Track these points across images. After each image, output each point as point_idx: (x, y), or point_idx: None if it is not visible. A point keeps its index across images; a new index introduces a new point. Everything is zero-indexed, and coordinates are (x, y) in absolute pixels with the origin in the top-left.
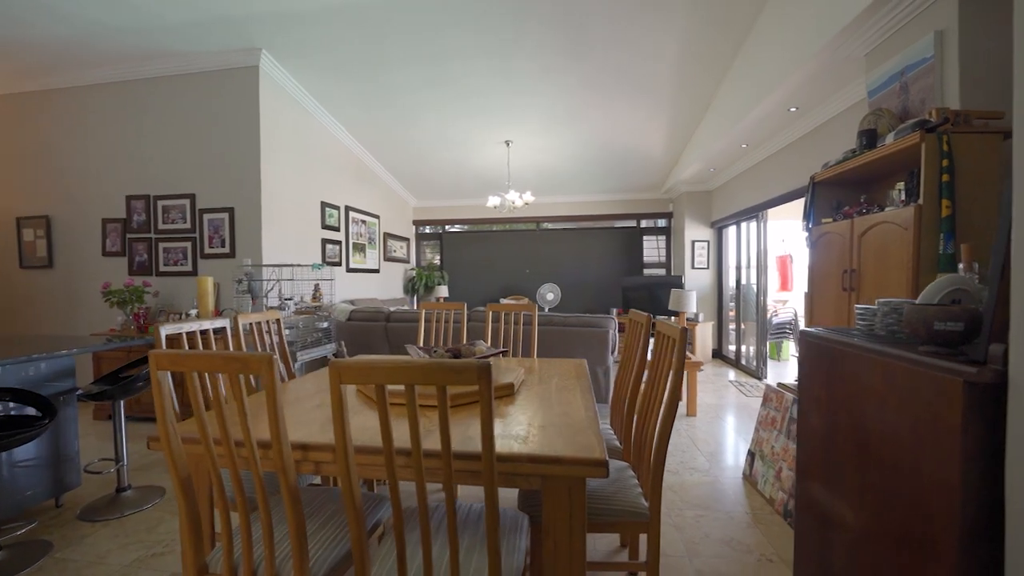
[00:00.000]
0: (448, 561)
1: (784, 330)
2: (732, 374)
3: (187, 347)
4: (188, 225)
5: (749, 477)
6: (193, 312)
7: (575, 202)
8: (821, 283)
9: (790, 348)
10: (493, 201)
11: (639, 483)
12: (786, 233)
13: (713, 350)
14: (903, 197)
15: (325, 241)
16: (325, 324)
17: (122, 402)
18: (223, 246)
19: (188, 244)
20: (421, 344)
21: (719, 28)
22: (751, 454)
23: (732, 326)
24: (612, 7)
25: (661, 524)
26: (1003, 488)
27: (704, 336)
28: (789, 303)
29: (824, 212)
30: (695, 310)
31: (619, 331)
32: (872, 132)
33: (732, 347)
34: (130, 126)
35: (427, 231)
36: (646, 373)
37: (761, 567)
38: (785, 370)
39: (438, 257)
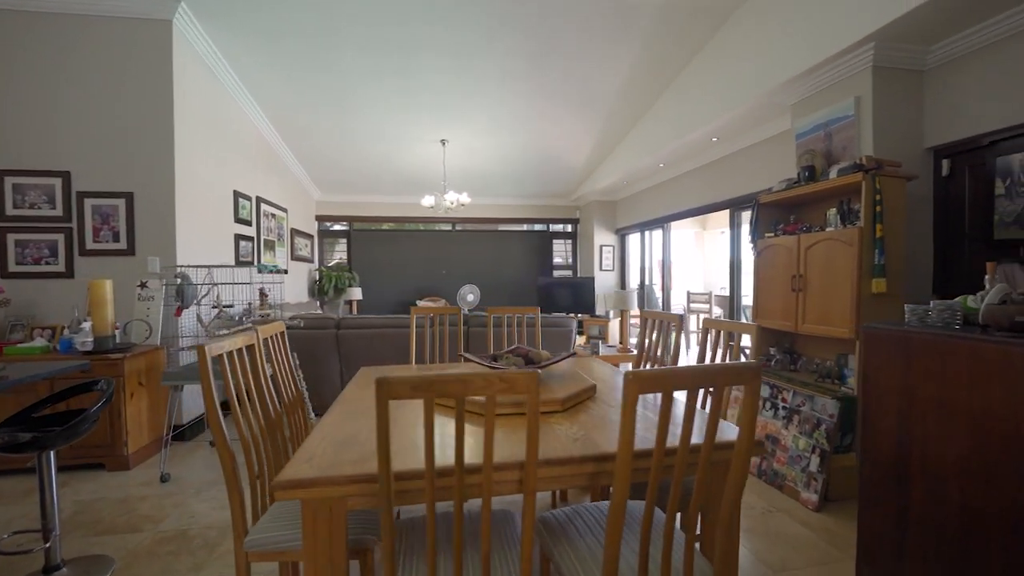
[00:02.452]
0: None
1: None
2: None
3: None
4: (59, 212)
5: None
6: (86, 325)
7: (491, 204)
8: (767, 285)
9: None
10: (428, 200)
11: None
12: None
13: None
14: (839, 220)
15: (238, 237)
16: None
17: (52, 453)
18: (116, 240)
19: (59, 236)
20: (414, 351)
21: (664, 58)
22: None
23: (633, 321)
24: (585, 19)
25: None
26: None
27: (613, 331)
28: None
29: (764, 228)
30: (636, 309)
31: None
32: (812, 168)
33: (633, 340)
34: None
35: (331, 228)
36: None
37: (769, 518)
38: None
39: (344, 256)
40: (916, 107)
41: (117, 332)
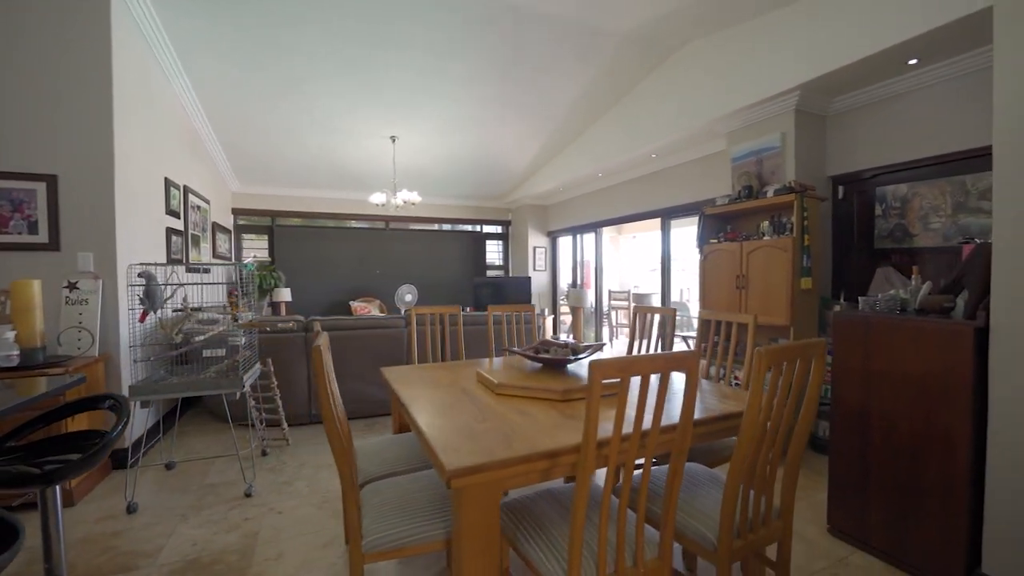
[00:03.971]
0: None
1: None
2: None
3: None
4: None
5: None
6: (9, 335)
7: (425, 203)
8: (714, 283)
9: (604, 332)
10: (379, 198)
11: None
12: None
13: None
14: (772, 231)
15: (170, 231)
16: (242, 340)
17: (58, 489)
18: (33, 232)
19: None
20: (416, 352)
21: (617, 79)
22: None
23: (563, 316)
24: (559, 35)
25: None
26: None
27: (547, 325)
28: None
29: (709, 235)
30: (590, 305)
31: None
32: (750, 187)
33: (562, 334)
34: None
35: (241, 223)
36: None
37: None
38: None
39: (261, 254)
40: (821, 144)
41: (44, 343)
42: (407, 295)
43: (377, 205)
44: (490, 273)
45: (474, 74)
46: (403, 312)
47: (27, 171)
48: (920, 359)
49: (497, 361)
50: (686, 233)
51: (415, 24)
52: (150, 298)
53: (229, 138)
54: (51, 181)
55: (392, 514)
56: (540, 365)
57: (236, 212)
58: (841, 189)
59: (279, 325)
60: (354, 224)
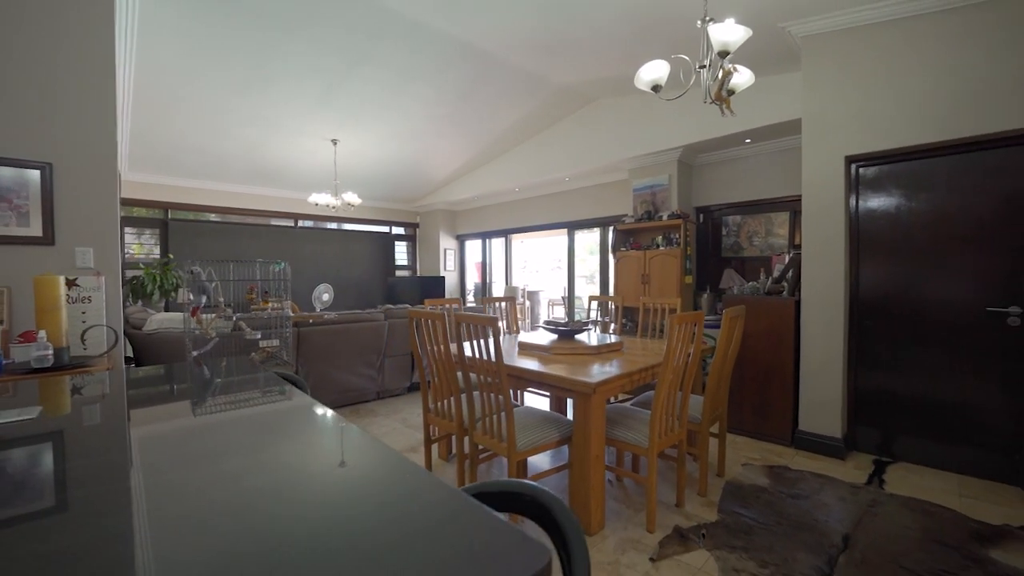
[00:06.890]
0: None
1: None
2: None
3: None
4: None
5: None
6: (42, 334)
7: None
8: (625, 279)
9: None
10: (319, 198)
11: None
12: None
13: None
14: (664, 243)
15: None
16: (259, 335)
17: None
18: (24, 224)
19: None
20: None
21: (543, 115)
22: None
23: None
24: (514, 73)
25: None
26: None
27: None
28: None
29: (619, 245)
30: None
31: None
32: (650, 211)
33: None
34: None
35: (131, 214)
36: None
37: None
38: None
39: (153, 249)
40: (689, 185)
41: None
42: (324, 294)
43: (316, 205)
44: (399, 273)
45: (435, 96)
46: (319, 310)
47: (18, 157)
48: (770, 321)
49: (517, 336)
50: (585, 239)
51: (396, 48)
52: (207, 295)
53: (142, 121)
54: (46, 169)
55: (526, 429)
56: (555, 336)
57: (122, 202)
58: (701, 216)
59: (325, 317)
60: (262, 221)
